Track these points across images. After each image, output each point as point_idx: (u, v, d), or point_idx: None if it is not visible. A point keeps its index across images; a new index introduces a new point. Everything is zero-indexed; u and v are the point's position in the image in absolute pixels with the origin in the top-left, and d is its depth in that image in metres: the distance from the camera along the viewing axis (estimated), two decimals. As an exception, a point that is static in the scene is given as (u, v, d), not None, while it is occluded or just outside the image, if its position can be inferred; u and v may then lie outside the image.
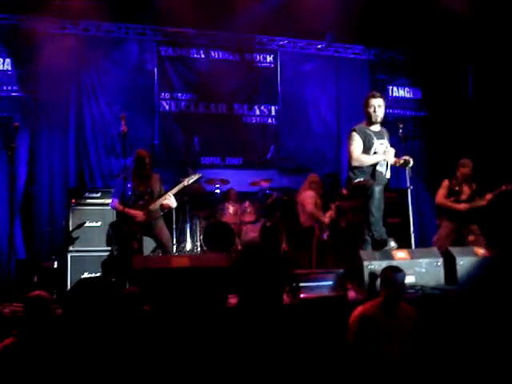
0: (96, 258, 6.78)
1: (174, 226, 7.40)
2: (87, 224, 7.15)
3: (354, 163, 5.57)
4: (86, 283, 3.61)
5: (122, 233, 5.90)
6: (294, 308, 4.32)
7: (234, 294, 4.37)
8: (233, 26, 8.77)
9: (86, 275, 6.89)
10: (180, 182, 6.27)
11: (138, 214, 6.01)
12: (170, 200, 6.10)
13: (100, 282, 3.63)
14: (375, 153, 5.60)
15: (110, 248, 6.44)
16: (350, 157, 5.64)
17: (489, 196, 6.82)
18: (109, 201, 6.92)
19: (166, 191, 6.18)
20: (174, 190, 6.17)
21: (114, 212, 6.64)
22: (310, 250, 7.07)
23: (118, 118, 6.74)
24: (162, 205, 6.11)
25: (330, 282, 4.66)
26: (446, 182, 7.05)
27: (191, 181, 6.34)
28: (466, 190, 6.97)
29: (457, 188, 6.95)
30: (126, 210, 5.87)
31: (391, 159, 5.67)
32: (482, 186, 7.08)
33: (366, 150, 5.58)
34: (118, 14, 8.26)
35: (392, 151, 5.64)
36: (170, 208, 6.26)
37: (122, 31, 8.79)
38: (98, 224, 7.23)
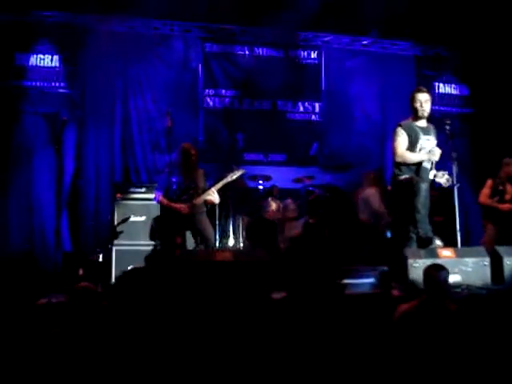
0: (140, 252, 6.85)
1: (217, 222, 7.44)
2: (132, 218, 7.24)
3: (398, 159, 5.49)
4: (132, 274, 3.65)
5: (165, 227, 5.98)
6: (338, 305, 4.28)
7: (275, 288, 4.38)
8: (277, 23, 8.75)
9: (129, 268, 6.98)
10: (224, 178, 6.27)
11: (183, 208, 6.02)
12: (214, 196, 6.11)
13: (146, 273, 3.67)
14: (421, 149, 5.52)
15: (153, 242, 6.55)
16: (394, 153, 5.57)
17: None
18: (153, 196, 7.00)
19: (210, 187, 6.21)
20: (218, 186, 6.16)
21: (159, 206, 6.71)
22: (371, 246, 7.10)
23: (163, 114, 6.82)
24: (205, 200, 6.12)
25: (373, 280, 4.62)
26: (489, 182, 6.92)
27: (235, 176, 6.32)
28: (510, 189, 6.83)
29: (500, 187, 6.82)
30: (171, 203, 5.93)
31: (436, 159, 5.56)
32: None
33: (412, 145, 5.50)
34: (163, 10, 8.33)
35: (438, 151, 5.53)
36: (213, 203, 6.28)
37: (167, 28, 8.89)
38: (143, 218, 7.31)
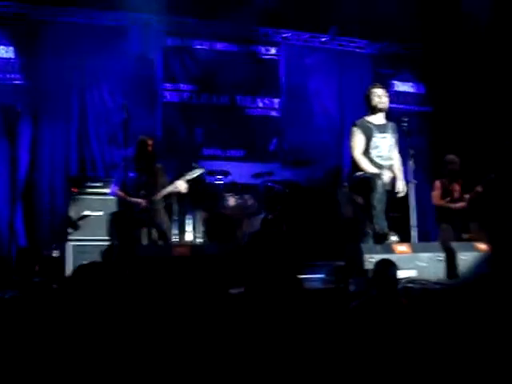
0: (96, 248, 6.75)
1: (176, 218, 7.38)
2: (88, 213, 7.14)
3: (354, 157, 5.56)
4: (86, 269, 3.59)
5: (123, 222, 5.90)
6: (297, 300, 4.29)
7: (234, 284, 4.37)
8: (237, 18, 8.73)
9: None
10: (183, 176, 6.23)
11: (141, 203, 5.96)
12: (181, 186, 6.07)
13: (101, 268, 3.61)
14: (376, 147, 5.58)
15: (110, 237, 6.45)
16: (351, 152, 5.64)
17: (478, 188, 6.85)
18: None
19: (170, 182, 6.14)
20: (179, 181, 6.13)
21: (116, 201, 6.62)
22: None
23: (121, 107, 6.73)
24: (171, 193, 6.09)
25: (323, 275, 4.66)
26: (438, 183, 7.10)
27: (194, 175, 6.29)
28: (457, 187, 7.02)
29: (449, 188, 7.00)
30: (128, 198, 5.86)
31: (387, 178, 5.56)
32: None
33: (367, 143, 5.57)
34: (122, 2, 8.21)
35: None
36: (180, 193, 6.21)
37: (127, 20, 8.75)
38: (99, 213, 7.19)
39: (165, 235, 6.10)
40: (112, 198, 6.49)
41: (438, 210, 7.17)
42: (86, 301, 3.24)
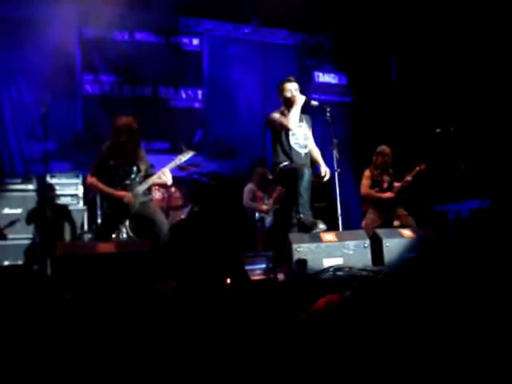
0: (16, 246, 6.53)
1: (99, 212, 7.20)
2: (6, 211, 6.86)
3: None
4: (5, 272, 3.44)
5: (43, 218, 5.68)
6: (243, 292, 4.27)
7: (161, 278, 4.31)
8: (158, 8, 8.58)
9: (6, 263, 6.62)
10: (173, 160, 5.68)
11: (126, 196, 5.31)
12: (167, 176, 5.45)
13: (20, 271, 3.47)
14: (294, 134, 5.62)
15: (30, 236, 6.22)
16: (278, 133, 5.64)
17: (408, 178, 7.08)
18: (30, 186, 6.66)
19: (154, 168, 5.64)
20: (168, 167, 5.55)
21: (35, 198, 6.39)
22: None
23: (39, 102, 6.50)
24: (155, 183, 5.59)
25: (264, 265, 4.65)
26: (367, 173, 7.26)
27: (184, 159, 5.73)
28: (386, 177, 7.19)
29: (378, 178, 7.17)
30: (111, 190, 5.30)
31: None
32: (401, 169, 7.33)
33: (285, 133, 5.60)
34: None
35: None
36: (165, 185, 5.79)
37: (43, 11, 8.40)
38: (19, 211, 6.92)
39: (161, 227, 5.30)
40: (32, 194, 6.24)
41: (366, 198, 7.31)
42: (4, 305, 3.11)
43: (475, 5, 8.22)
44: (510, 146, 7.83)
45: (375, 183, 7.20)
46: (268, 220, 7.69)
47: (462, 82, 8.75)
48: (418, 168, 7.08)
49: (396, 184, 7.16)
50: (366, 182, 7.24)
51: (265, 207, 7.72)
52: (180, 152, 5.81)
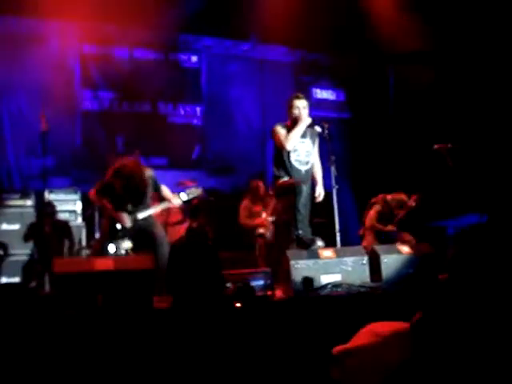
0: (14, 263, 6.52)
1: (97, 227, 7.20)
2: (4, 227, 6.85)
3: (288, 147, 5.54)
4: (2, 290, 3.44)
5: (41, 234, 5.67)
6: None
7: (160, 295, 4.29)
8: (157, 25, 8.64)
9: (3, 280, 6.60)
10: (182, 193, 5.85)
11: (125, 220, 5.43)
12: (176, 201, 5.70)
13: (17, 288, 3.46)
14: (295, 150, 5.63)
15: (29, 252, 6.21)
16: (278, 147, 5.64)
17: (411, 203, 7.20)
18: (28, 202, 6.67)
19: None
20: (174, 201, 5.76)
21: (33, 214, 6.38)
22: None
23: (39, 117, 6.52)
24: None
25: (263, 282, 4.64)
26: (378, 208, 7.38)
27: (191, 196, 5.92)
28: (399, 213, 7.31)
29: (388, 215, 7.28)
30: (112, 210, 5.38)
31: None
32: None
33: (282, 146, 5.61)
34: (38, 9, 7.94)
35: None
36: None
37: (43, 27, 8.47)
38: (17, 227, 6.90)
39: (161, 245, 5.45)
40: (30, 210, 6.23)
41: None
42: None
43: (471, 21, 8.29)
44: (507, 161, 7.86)
45: (383, 219, 7.30)
46: (268, 234, 7.43)
47: (460, 98, 8.80)
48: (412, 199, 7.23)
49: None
50: (373, 215, 7.36)
51: (260, 220, 7.54)
52: (188, 186, 5.97)
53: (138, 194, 5.49)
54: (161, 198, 5.75)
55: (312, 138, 5.82)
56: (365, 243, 7.23)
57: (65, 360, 3.07)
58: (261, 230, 7.49)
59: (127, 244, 5.39)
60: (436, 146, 7.05)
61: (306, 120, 5.59)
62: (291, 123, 5.68)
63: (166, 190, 5.81)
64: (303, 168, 5.70)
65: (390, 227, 7.25)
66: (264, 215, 7.62)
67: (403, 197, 7.37)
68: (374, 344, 1.82)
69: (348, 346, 1.93)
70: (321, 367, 3.12)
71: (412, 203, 7.21)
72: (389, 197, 7.39)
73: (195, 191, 6.00)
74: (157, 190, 5.72)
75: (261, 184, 7.84)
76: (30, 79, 8.36)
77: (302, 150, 5.70)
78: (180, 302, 2.63)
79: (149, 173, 5.70)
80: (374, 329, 1.92)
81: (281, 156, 5.66)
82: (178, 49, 9.50)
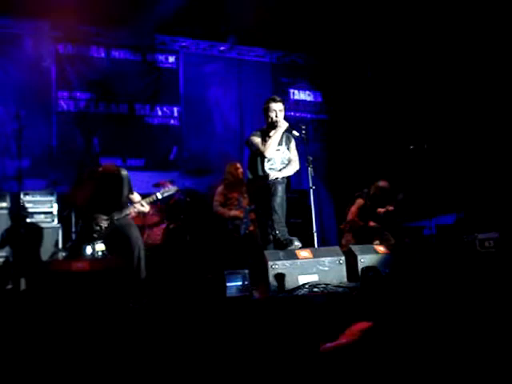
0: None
1: (74, 230, 7.14)
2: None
3: (267, 154, 5.54)
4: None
5: (17, 237, 5.62)
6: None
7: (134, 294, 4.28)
8: (134, 25, 8.60)
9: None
10: (154, 194, 5.97)
11: (102, 221, 5.53)
12: (145, 208, 5.81)
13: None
14: (269, 159, 5.61)
15: (4, 254, 6.14)
16: (257, 151, 5.63)
17: (390, 208, 7.24)
18: (3, 204, 6.58)
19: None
20: (148, 200, 5.87)
21: (8, 216, 6.31)
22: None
23: (13, 118, 6.45)
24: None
25: (240, 283, 4.64)
26: (360, 202, 7.38)
27: (166, 194, 6.01)
28: (380, 210, 7.35)
29: (371, 210, 7.31)
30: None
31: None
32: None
33: (262, 154, 5.60)
34: (12, 8, 7.86)
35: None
36: (142, 212, 5.97)
37: (18, 26, 8.38)
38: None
39: (135, 248, 5.44)
40: (5, 212, 6.16)
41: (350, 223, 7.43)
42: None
43: (449, 21, 8.37)
44: (483, 161, 7.96)
45: (365, 215, 7.32)
46: (242, 227, 7.09)
47: (436, 99, 8.89)
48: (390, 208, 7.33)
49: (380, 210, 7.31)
50: (354, 210, 7.37)
51: (236, 212, 7.13)
52: (163, 186, 5.98)
53: (113, 194, 5.51)
54: (130, 201, 5.82)
55: (287, 143, 5.80)
56: (343, 241, 7.26)
57: (45, 359, 3.05)
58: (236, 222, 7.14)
59: (101, 246, 5.39)
60: (411, 147, 7.12)
61: (283, 126, 5.58)
62: (268, 127, 5.67)
63: (136, 194, 5.89)
64: (278, 174, 5.68)
65: (371, 223, 7.26)
66: (243, 202, 7.18)
67: (386, 188, 7.39)
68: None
69: (335, 343, 1.97)
70: (298, 366, 3.14)
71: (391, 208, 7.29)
72: (382, 183, 7.38)
73: (170, 189, 6.08)
74: (130, 191, 5.77)
75: (239, 166, 7.53)
76: (4, 78, 8.27)
77: (278, 157, 5.69)
78: (154, 301, 2.63)
79: (124, 172, 5.76)
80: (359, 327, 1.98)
81: (255, 164, 5.66)
82: (155, 49, 9.46)
